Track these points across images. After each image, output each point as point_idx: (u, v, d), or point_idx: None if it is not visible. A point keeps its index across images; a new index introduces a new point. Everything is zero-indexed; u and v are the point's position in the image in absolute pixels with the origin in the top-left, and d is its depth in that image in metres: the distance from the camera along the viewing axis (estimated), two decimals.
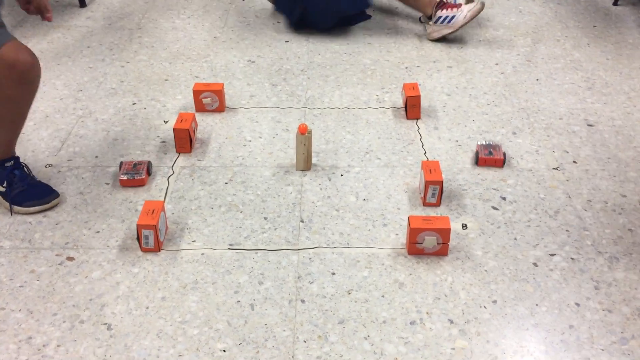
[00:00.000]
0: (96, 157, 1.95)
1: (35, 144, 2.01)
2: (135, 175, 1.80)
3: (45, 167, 1.90)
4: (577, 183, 1.84)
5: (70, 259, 1.57)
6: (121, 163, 1.84)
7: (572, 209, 1.74)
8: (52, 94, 2.30)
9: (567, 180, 1.86)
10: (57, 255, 1.58)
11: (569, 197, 1.79)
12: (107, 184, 1.83)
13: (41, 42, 2.67)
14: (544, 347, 1.35)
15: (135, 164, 1.83)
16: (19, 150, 1.81)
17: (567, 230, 1.67)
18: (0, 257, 1.58)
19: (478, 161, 1.89)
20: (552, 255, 1.59)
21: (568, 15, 2.92)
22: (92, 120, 2.15)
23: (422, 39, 2.69)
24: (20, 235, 1.64)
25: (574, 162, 1.94)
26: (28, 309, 1.44)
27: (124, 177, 1.80)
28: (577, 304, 1.45)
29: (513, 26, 2.82)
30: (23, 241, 1.63)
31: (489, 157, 1.88)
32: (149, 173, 1.84)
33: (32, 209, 1.71)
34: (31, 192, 1.72)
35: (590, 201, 1.77)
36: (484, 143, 1.94)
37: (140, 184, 1.81)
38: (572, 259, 1.58)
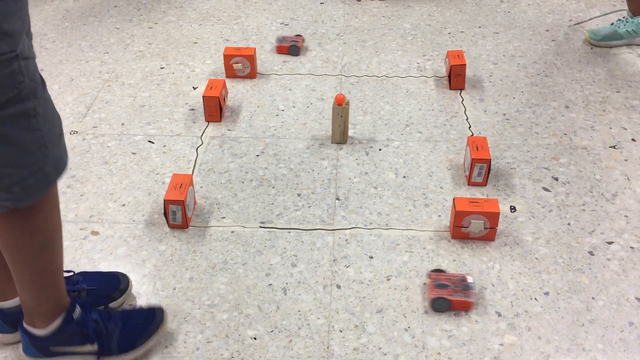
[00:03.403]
0: (122, 124, 1.87)
1: (60, 108, 1.93)
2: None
3: (70, 133, 1.82)
4: (637, 163, 1.70)
5: (95, 233, 1.50)
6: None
7: (632, 192, 1.61)
8: (77, 56, 2.20)
9: (626, 160, 1.71)
10: (81, 229, 1.51)
11: (628, 178, 1.65)
12: (134, 153, 1.75)
13: (67, 0, 2.57)
14: (601, 346, 1.24)
15: None
16: None
17: (625, 216, 1.53)
18: None
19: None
20: (610, 243, 1.46)
21: None
22: (118, 84, 2.05)
23: (465, 2, 2.52)
24: None
25: (633, 140, 1.79)
26: None
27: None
28: (638, 299, 1.33)
29: None
30: None
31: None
32: None
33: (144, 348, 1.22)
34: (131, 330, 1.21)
35: None
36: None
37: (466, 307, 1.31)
38: (631, 248, 1.45)
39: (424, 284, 1.37)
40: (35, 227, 1.01)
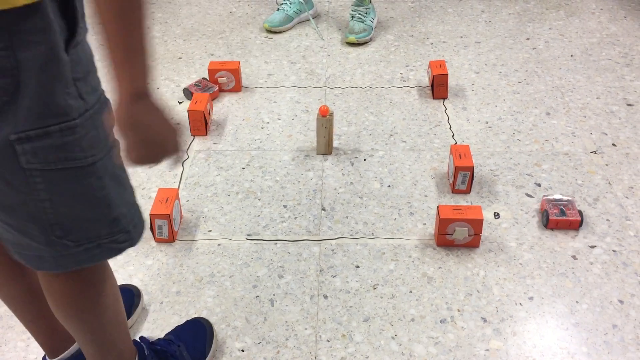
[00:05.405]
0: None
1: None
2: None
3: None
4: (617, 168, 1.72)
5: None
6: None
7: (613, 196, 1.63)
8: None
9: (607, 164, 1.74)
10: None
11: (609, 183, 1.67)
12: None
13: None
14: (585, 349, 1.25)
15: None
16: None
17: (607, 220, 1.56)
18: None
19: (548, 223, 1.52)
20: (593, 247, 1.48)
21: None
22: None
23: (447, 13, 2.55)
24: None
25: (614, 145, 1.82)
26: None
27: None
28: (621, 301, 1.35)
29: None
30: None
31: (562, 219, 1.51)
32: None
33: None
34: None
35: (632, 188, 1.66)
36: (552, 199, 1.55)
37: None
38: (613, 251, 1.47)
39: (410, 292, 1.38)
40: (104, 288, 0.95)
